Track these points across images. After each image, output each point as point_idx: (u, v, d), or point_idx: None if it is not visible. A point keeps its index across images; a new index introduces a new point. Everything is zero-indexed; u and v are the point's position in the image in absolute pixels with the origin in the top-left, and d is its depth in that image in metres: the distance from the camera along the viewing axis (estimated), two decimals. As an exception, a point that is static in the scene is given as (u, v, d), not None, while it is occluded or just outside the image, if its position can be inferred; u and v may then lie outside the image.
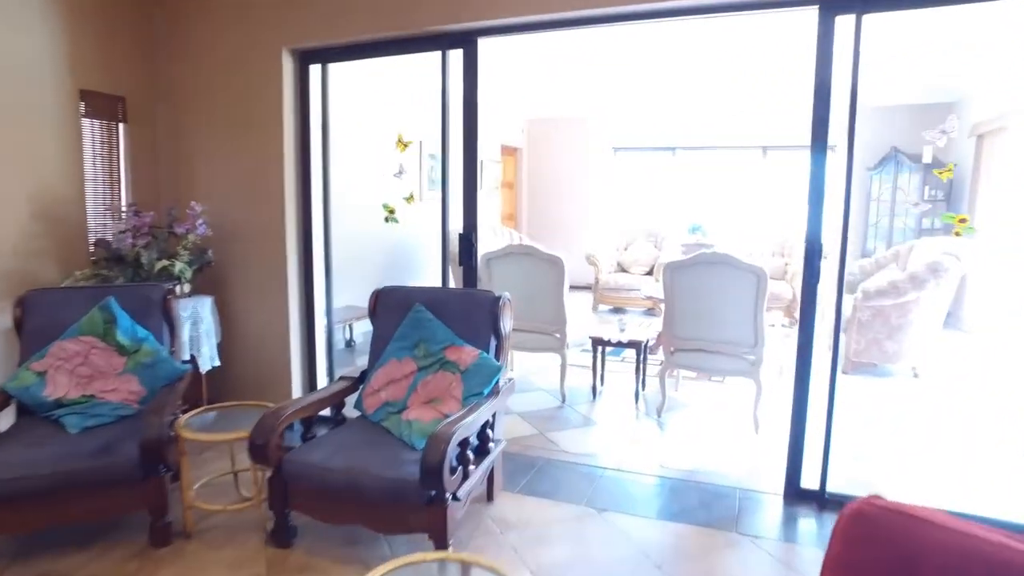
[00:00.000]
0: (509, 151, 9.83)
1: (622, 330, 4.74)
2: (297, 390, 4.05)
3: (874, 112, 8.25)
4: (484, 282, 4.72)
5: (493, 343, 2.97)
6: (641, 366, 4.55)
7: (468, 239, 3.61)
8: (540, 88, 8.00)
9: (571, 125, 9.99)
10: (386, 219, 3.95)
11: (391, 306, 3.14)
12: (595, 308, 8.08)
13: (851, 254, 5.91)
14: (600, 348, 4.69)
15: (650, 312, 7.66)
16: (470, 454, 2.56)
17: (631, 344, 4.54)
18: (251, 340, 4.09)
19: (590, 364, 4.78)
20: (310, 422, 2.78)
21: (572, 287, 9.66)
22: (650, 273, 8.18)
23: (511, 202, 10.12)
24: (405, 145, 3.93)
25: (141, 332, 3.07)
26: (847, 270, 6.52)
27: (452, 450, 2.31)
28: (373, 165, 5.65)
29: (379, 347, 3.10)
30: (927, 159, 7.69)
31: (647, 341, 4.59)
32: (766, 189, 9.29)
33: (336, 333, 4.52)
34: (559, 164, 10.13)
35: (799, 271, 7.37)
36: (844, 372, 5.22)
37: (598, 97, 8.59)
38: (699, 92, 8.14)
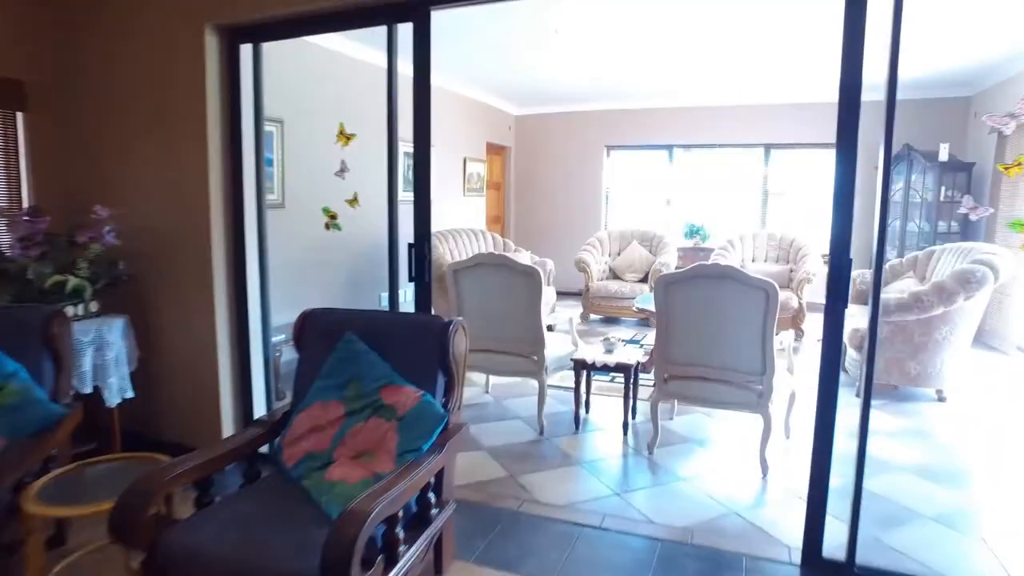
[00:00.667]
0: (496, 149, 9.26)
1: (609, 351, 4.16)
2: (228, 424, 3.46)
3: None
4: (452, 298, 4.14)
5: (441, 381, 2.39)
6: (631, 392, 3.98)
7: (421, 250, 3.03)
8: (529, 77, 7.43)
9: (562, 122, 9.41)
10: (327, 225, 3.37)
11: (321, 333, 2.56)
12: (585, 318, 7.50)
13: (859, 262, 5.37)
14: (584, 371, 4.11)
15: (645, 323, 7.08)
16: (400, 532, 1.97)
17: (619, 368, 3.96)
18: (177, 367, 3.51)
19: (574, 387, 4.20)
20: (207, 483, 2.20)
21: (562, 293, 9.12)
22: (644, 280, 7.61)
23: (498, 204, 9.54)
24: (348, 138, 3.34)
25: (10, 366, 2.49)
26: (857, 278, 5.97)
27: (368, 534, 1.73)
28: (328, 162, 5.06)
29: (304, 384, 2.51)
30: (943, 157, 7.12)
31: (637, 364, 4.01)
32: (770, 189, 8.72)
33: (290, 354, 3.95)
34: (549, 163, 9.56)
35: (807, 278, 6.86)
36: (858, 396, 4.65)
37: (590, 89, 8.02)
38: (698, 83, 7.58)
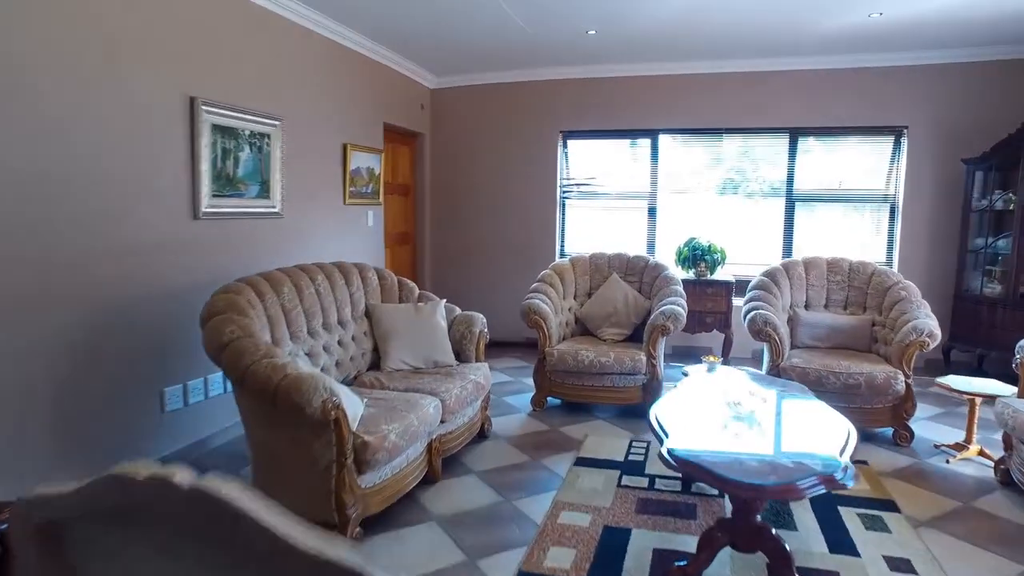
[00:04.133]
0: (401, 136, 6.27)
1: None
2: None
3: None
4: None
5: None
6: None
7: None
8: (452, 27, 4.52)
9: (500, 97, 6.50)
10: None
11: None
12: (540, 403, 4.59)
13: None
14: None
15: (632, 412, 4.25)
16: None
17: None
18: None
19: None
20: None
21: (506, 346, 6.20)
22: (633, 337, 4.76)
23: (405, 217, 6.54)
24: None
25: None
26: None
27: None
28: None
29: None
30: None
31: None
32: (797, 190, 6.04)
33: None
34: (483, 157, 6.63)
35: (920, 340, 3.41)
36: None
37: (538, 46, 5.15)
38: (692, 39, 4.78)
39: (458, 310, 4.21)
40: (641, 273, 5.02)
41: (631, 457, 3.72)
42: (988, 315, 5.13)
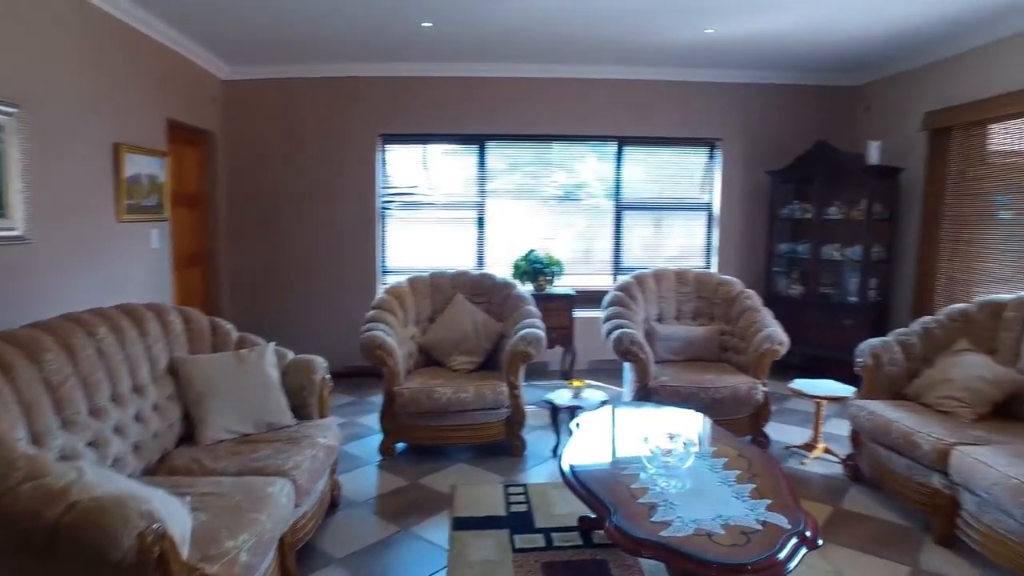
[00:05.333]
0: (187, 136, 5.12)
1: None
2: None
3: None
4: None
5: None
6: None
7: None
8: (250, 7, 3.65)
9: (309, 93, 5.65)
10: None
11: None
12: (389, 450, 3.95)
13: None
14: None
15: (489, 451, 3.85)
16: None
17: None
18: None
19: None
20: None
21: (335, 379, 5.40)
22: (488, 365, 4.33)
23: (196, 234, 5.39)
24: None
25: None
26: (868, 353, 3.36)
27: None
28: None
29: None
30: (873, 159, 5.17)
31: None
32: (624, 198, 6.12)
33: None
34: (289, 163, 5.71)
35: (772, 348, 3.56)
36: None
37: (354, 36, 4.48)
38: (523, 38, 4.52)
39: (290, 353, 3.41)
40: (489, 293, 4.61)
41: (513, 507, 3.29)
42: (792, 314, 5.59)
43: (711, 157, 6.06)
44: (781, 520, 1.99)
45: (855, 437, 3.58)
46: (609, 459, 2.56)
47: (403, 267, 5.95)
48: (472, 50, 5.15)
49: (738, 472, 2.39)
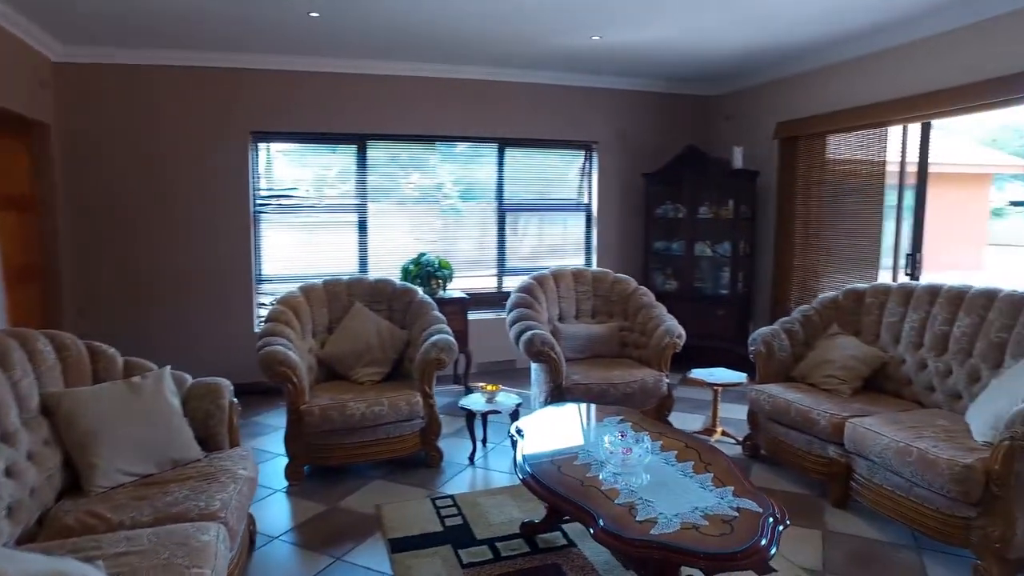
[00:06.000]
0: (9, 126, 4.32)
1: None
2: None
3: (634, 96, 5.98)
4: None
5: None
6: None
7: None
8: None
9: (165, 80, 5.01)
10: None
11: None
12: (296, 475, 3.63)
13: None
14: None
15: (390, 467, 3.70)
16: None
17: None
18: None
19: None
20: None
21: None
22: (394, 375, 4.14)
23: (29, 241, 4.57)
24: None
25: None
26: (763, 341, 3.72)
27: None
28: None
29: None
30: (737, 163, 5.68)
31: None
32: (507, 201, 6.17)
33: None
34: (146, 160, 5.04)
35: (673, 342, 3.98)
36: None
37: (225, 20, 4.07)
38: (404, 34, 4.40)
39: (188, 378, 3.01)
40: (389, 300, 4.40)
41: (448, 521, 3.17)
42: (670, 308, 5.94)
43: (588, 160, 6.29)
44: (752, 505, 2.10)
45: (753, 419, 3.91)
46: (569, 462, 2.55)
47: (280, 274, 5.51)
48: (356, 45, 4.89)
49: (692, 463, 2.49)
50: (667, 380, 4.18)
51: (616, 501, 2.17)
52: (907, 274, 4.66)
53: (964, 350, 3.35)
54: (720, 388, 4.15)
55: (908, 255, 4.68)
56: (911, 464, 2.78)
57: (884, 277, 4.77)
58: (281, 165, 5.58)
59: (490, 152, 6.03)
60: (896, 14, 4.14)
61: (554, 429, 3.11)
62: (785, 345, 3.93)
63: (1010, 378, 2.95)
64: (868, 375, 3.68)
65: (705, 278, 6.02)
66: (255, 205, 5.39)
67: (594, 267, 6.25)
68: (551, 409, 3.42)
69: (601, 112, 6.11)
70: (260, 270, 5.48)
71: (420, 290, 4.51)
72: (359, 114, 5.47)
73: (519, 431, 2.97)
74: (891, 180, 4.76)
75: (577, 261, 6.37)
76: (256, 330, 5.36)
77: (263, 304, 5.43)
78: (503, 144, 6.03)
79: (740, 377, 4.13)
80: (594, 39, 4.78)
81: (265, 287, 5.47)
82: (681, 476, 2.40)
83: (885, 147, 4.74)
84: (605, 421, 3.06)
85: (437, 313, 4.28)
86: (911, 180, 4.68)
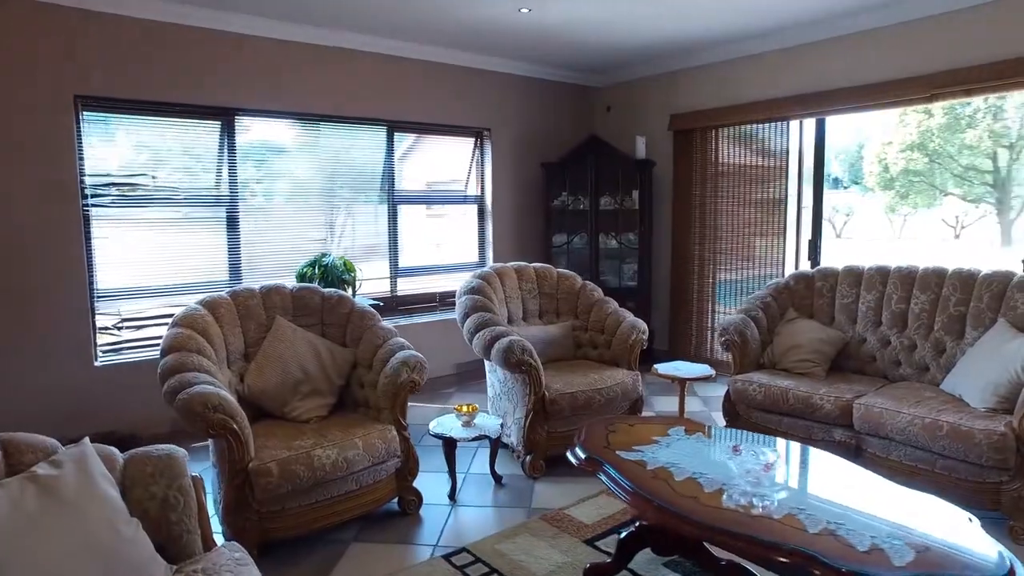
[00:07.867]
0: None
1: None
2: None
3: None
4: None
5: None
6: None
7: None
8: None
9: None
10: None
11: None
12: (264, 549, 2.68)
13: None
14: None
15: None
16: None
17: None
18: None
19: None
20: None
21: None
22: (340, 408, 3.30)
23: None
24: None
25: None
26: (734, 330, 3.78)
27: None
28: None
29: None
30: (640, 153, 5.66)
31: None
32: (399, 191, 5.45)
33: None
34: None
35: (640, 338, 3.91)
36: None
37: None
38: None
39: (118, 455, 1.98)
40: (319, 312, 3.51)
41: (484, 582, 2.56)
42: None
43: (480, 147, 5.82)
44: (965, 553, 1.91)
45: (732, 409, 3.83)
46: (713, 492, 2.09)
47: (128, 287, 4.18)
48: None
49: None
50: (640, 379, 3.94)
51: (810, 531, 1.83)
52: (808, 260, 5.01)
53: (926, 325, 3.61)
54: (689, 382, 4.02)
55: (809, 241, 5.04)
56: (943, 438, 2.87)
57: (789, 267, 5.09)
58: (124, 145, 4.20)
59: (378, 136, 5.24)
60: (808, 15, 4.40)
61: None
62: (755, 334, 3.93)
63: (989, 348, 3.20)
64: (834, 356, 3.82)
65: (610, 271, 5.93)
66: (85, 197, 3.99)
67: (489, 262, 5.81)
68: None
69: (494, 96, 5.67)
70: (95, 283, 4.07)
71: (355, 299, 3.68)
72: (226, 83, 4.34)
73: (607, 466, 2.44)
74: (792, 171, 5.09)
75: (471, 256, 5.88)
76: (98, 363, 3.99)
77: (106, 329, 4.06)
78: (392, 127, 5.28)
79: (708, 371, 4.04)
80: (522, 11, 4.34)
81: (106, 305, 4.09)
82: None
83: (785, 140, 5.05)
84: (670, 433, 2.68)
85: (385, 324, 3.51)
86: (808, 173, 5.05)
